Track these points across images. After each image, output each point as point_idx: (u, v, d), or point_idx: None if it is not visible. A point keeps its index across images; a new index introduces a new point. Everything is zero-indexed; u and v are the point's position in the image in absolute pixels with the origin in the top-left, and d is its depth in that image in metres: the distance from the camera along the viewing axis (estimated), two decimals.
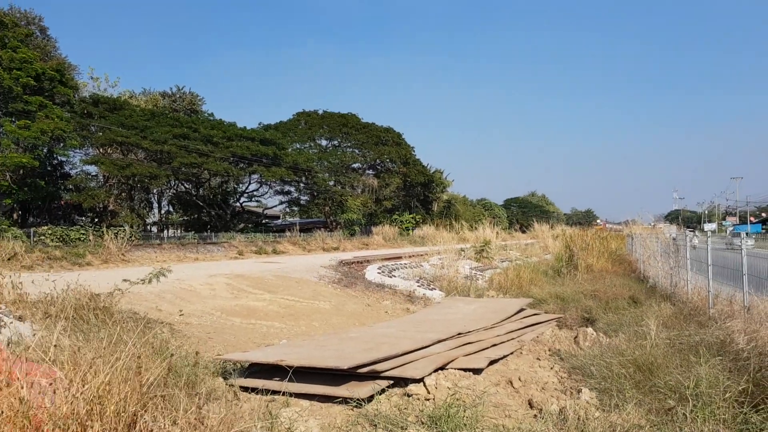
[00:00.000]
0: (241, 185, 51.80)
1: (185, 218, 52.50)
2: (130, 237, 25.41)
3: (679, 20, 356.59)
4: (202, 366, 8.11)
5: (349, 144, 59.05)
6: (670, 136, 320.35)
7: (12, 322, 7.91)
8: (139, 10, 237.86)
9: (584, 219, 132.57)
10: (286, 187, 53.44)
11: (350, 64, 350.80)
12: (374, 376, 7.78)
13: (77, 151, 40.32)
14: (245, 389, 7.98)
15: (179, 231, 52.31)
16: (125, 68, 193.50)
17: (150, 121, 42.40)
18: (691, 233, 15.86)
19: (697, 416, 6.11)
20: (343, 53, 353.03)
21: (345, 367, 7.43)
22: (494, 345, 9.80)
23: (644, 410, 6.71)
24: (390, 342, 9.18)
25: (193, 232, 41.02)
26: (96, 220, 40.34)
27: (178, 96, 54.97)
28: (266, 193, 53.26)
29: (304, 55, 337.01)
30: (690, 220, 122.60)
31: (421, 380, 7.73)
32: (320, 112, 59.50)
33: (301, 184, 52.13)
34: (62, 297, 8.83)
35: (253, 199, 54.91)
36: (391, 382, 7.78)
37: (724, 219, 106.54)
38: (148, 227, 48.67)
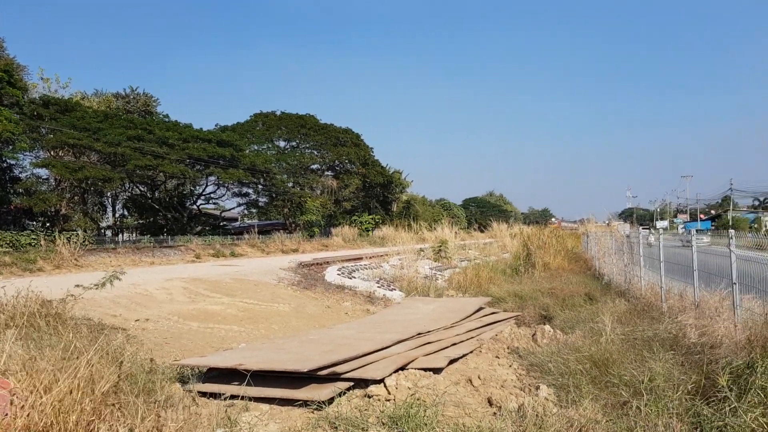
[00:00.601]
0: (197, 187, 51.13)
1: (140, 222, 51.59)
2: (84, 242, 24.82)
3: (629, 22, 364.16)
4: (159, 372, 7.98)
5: (307, 145, 58.80)
6: (622, 136, 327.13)
7: None
8: (88, 10, 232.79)
9: (541, 218, 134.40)
10: (244, 189, 52.97)
11: (304, 65, 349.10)
12: (335, 378, 7.75)
13: (27, 153, 39.32)
14: (203, 394, 7.88)
15: (134, 235, 51.36)
16: (76, 69, 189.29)
17: (103, 123, 41.57)
18: (647, 231, 16.18)
19: (651, 410, 6.24)
20: (298, 55, 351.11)
21: (305, 370, 7.39)
22: (454, 344, 9.86)
23: (600, 405, 6.83)
24: (349, 343, 9.17)
25: (149, 236, 40.35)
26: (47, 224, 39.31)
27: (131, 97, 53.99)
28: (224, 195, 52.76)
29: (258, 56, 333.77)
30: (643, 218, 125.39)
31: (381, 381, 7.73)
32: (278, 113, 59.13)
33: (260, 186, 51.71)
34: (12, 304, 8.58)
35: (210, 202, 54.28)
36: (352, 383, 7.76)
37: (675, 216, 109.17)
38: (102, 231, 47.65)
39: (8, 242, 28.48)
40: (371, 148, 62.34)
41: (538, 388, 7.59)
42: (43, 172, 41.48)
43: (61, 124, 38.62)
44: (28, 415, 5.39)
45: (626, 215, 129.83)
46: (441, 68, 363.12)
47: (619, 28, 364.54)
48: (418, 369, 8.37)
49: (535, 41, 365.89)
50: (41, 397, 5.75)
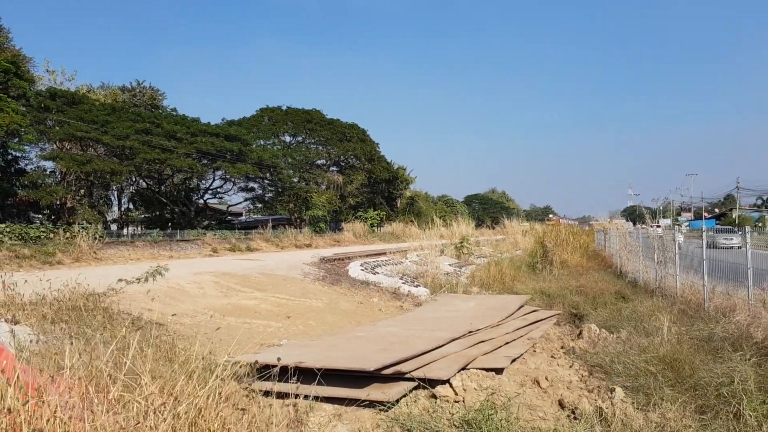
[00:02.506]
0: (204, 182, 50.73)
1: (147, 215, 51.19)
2: (102, 235, 24.45)
3: (638, 23, 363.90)
4: (213, 369, 7.67)
5: (313, 140, 58.38)
6: (624, 134, 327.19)
7: (8, 327, 7.34)
8: (93, 3, 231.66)
9: (543, 215, 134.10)
10: (251, 184, 52.59)
11: (309, 61, 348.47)
12: (398, 377, 7.44)
13: (33, 146, 38.87)
14: (262, 393, 7.57)
15: (139, 228, 50.97)
16: (80, 61, 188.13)
17: (111, 116, 41.10)
18: (676, 228, 15.91)
19: (750, 415, 5.94)
20: (303, 50, 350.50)
21: (371, 369, 7.08)
22: (507, 343, 9.56)
23: (684, 409, 6.54)
24: (402, 341, 8.86)
25: (158, 230, 39.94)
26: (53, 217, 38.91)
27: (138, 90, 53.49)
28: (230, 189, 52.31)
29: (263, 51, 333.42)
30: (645, 216, 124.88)
31: (447, 381, 7.42)
32: (284, 108, 58.64)
33: (266, 181, 51.31)
34: (59, 298, 8.26)
35: (217, 196, 53.88)
36: (416, 383, 7.46)
37: (678, 215, 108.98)
38: (108, 224, 47.26)
39: (17, 235, 28.10)
40: (377, 144, 62.03)
41: (612, 390, 7.28)
42: (48, 165, 41.09)
43: (68, 116, 38.15)
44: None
45: (629, 213, 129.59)
46: (443, 65, 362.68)
47: (624, 25, 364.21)
48: (480, 369, 8.06)
49: (537, 39, 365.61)
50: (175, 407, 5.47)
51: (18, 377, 4.30)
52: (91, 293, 8.80)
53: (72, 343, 7.03)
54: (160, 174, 45.57)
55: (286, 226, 47.45)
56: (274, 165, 48.51)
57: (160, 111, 50.55)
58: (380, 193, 64.62)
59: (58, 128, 37.73)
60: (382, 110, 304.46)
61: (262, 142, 54.73)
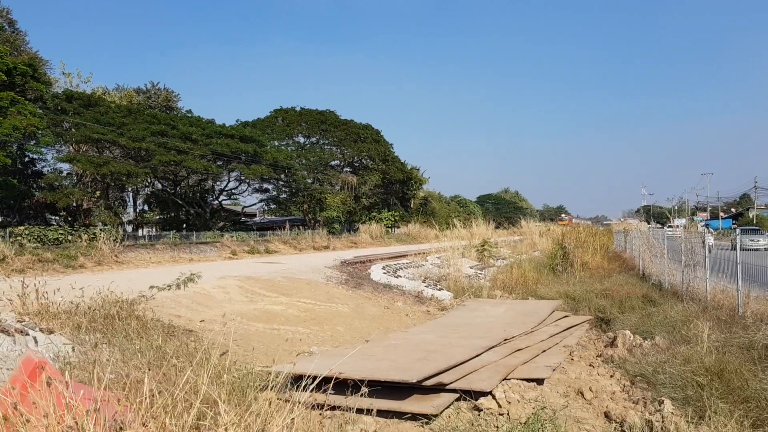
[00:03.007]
0: (219, 183, 50.76)
1: (161, 217, 51.27)
2: (123, 238, 24.42)
3: (652, 21, 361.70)
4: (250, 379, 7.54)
5: (327, 141, 58.31)
6: (638, 133, 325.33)
7: (43, 336, 7.23)
8: (107, 5, 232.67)
9: (556, 215, 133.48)
10: (265, 185, 52.56)
11: (321, 62, 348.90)
12: (439, 389, 7.28)
13: (49, 148, 39.01)
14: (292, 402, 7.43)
15: (154, 230, 51.03)
16: (95, 63, 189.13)
17: (127, 118, 41.21)
18: (703, 229, 15.59)
19: None
20: (315, 51, 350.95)
21: (414, 381, 6.93)
22: (543, 351, 9.37)
23: (741, 423, 6.33)
24: (439, 350, 8.70)
25: (174, 231, 39.97)
26: (69, 219, 39.03)
27: (152, 92, 53.68)
28: (245, 191, 52.31)
29: (277, 53, 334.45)
30: (660, 216, 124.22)
31: (489, 393, 7.25)
32: (298, 109, 58.64)
33: (281, 182, 51.27)
34: (92, 306, 8.15)
35: (231, 198, 53.90)
36: (457, 395, 7.29)
37: (694, 214, 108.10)
38: (124, 226, 47.36)
39: (36, 237, 28.17)
40: (391, 145, 61.87)
41: (661, 402, 7.07)
42: (64, 167, 41.25)
43: (84, 118, 38.29)
44: None
45: (644, 212, 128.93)
46: (455, 66, 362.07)
47: (638, 21, 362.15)
48: (521, 379, 7.89)
49: (554, 43, 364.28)
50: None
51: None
52: (124, 301, 8.69)
53: (109, 355, 6.91)
54: (176, 175, 45.64)
55: (300, 227, 47.38)
56: (288, 166, 48.46)
57: (175, 112, 50.67)
58: (394, 194, 64.45)
59: (74, 130, 37.89)
60: (394, 110, 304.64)
61: (276, 143, 54.73)
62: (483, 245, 26.75)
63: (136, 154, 40.79)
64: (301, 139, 58.51)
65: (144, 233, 46.73)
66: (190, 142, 42.24)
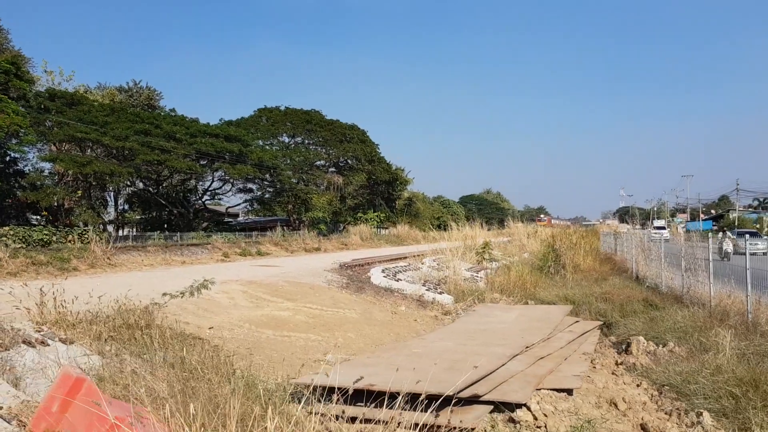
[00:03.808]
0: (202, 183, 50.15)
1: (143, 217, 50.55)
2: (115, 239, 23.95)
3: (627, 19, 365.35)
4: (274, 391, 7.32)
5: (312, 141, 57.89)
6: (617, 135, 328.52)
7: (63, 347, 6.95)
8: (88, 3, 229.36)
9: (537, 215, 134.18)
10: (249, 185, 52.04)
11: (306, 60, 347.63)
12: (473, 400, 7.11)
13: (31, 147, 38.24)
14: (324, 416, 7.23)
15: (135, 230, 50.28)
16: (76, 62, 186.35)
17: (110, 117, 40.54)
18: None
19: None
20: (301, 50, 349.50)
21: (452, 393, 6.74)
22: (565, 359, 9.25)
23: None
24: (463, 359, 8.54)
25: (158, 232, 39.35)
26: (51, 218, 38.30)
27: (135, 91, 52.93)
28: (229, 191, 51.73)
29: (260, 52, 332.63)
30: (633, 217, 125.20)
31: (524, 405, 7.09)
32: (282, 108, 58.14)
33: (265, 182, 50.80)
34: (112, 315, 7.87)
35: (215, 198, 53.31)
36: (491, 407, 7.14)
37: (673, 216, 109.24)
38: (105, 226, 46.61)
39: (20, 238, 27.55)
40: (377, 145, 61.61)
41: (699, 414, 6.96)
42: (46, 166, 40.51)
43: (67, 117, 37.60)
44: None
45: (622, 214, 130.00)
46: (437, 66, 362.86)
47: (615, 24, 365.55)
48: (551, 389, 7.76)
49: (530, 40, 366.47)
50: None
51: None
52: (143, 309, 8.42)
53: (136, 367, 6.66)
54: (158, 175, 45.02)
55: (285, 228, 46.94)
56: (274, 166, 48.03)
57: (158, 111, 50.00)
58: (380, 195, 64.24)
59: (57, 129, 37.18)
60: (376, 110, 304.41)
61: (260, 143, 54.21)
62: (483, 248, 26.70)
63: (119, 153, 40.18)
64: (286, 139, 58.04)
65: (125, 233, 46.02)
66: (174, 141, 41.68)
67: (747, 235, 15.18)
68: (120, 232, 46.46)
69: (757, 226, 73.41)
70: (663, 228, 57.85)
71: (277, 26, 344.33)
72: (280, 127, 56.83)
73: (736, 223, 71.98)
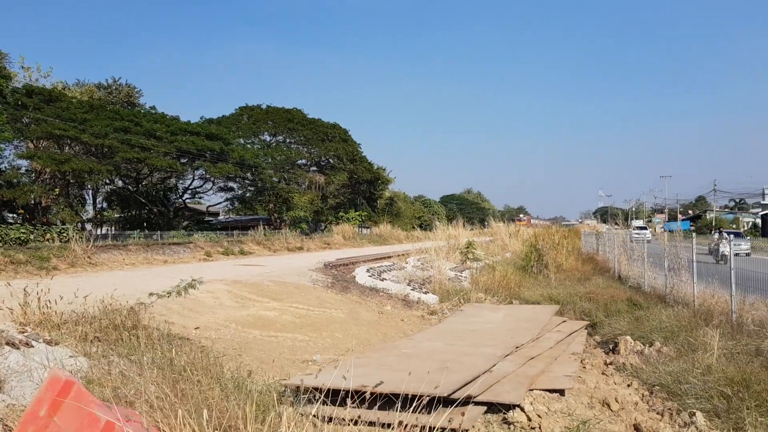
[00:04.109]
0: (183, 181, 49.69)
1: (122, 215, 49.97)
2: (96, 238, 23.58)
3: (606, 20, 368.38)
4: (265, 393, 7.21)
5: (294, 140, 57.62)
6: (597, 135, 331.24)
7: (48, 348, 6.78)
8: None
9: (516, 215, 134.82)
10: (230, 184, 51.69)
11: (287, 59, 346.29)
12: (465, 401, 7.05)
13: (8, 144, 37.60)
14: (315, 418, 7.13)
15: (114, 228, 49.68)
16: (54, 58, 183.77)
17: (89, 114, 40.00)
18: (717, 235, 15.43)
19: None
20: (281, 49, 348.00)
21: (445, 394, 6.68)
22: (555, 359, 9.23)
23: None
24: (454, 359, 8.48)
25: (138, 231, 38.89)
26: (27, 216, 37.70)
27: (114, 88, 52.34)
28: (209, 189, 51.32)
29: (241, 50, 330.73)
30: (614, 217, 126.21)
31: (518, 405, 7.05)
32: (264, 106, 57.82)
33: (247, 181, 50.47)
34: (98, 316, 7.69)
35: (195, 196, 52.85)
36: (484, 408, 7.08)
37: (651, 216, 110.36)
38: (84, 224, 45.99)
39: None
40: (359, 144, 61.52)
41: (692, 414, 6.97)
42: (22, 163, 39.87)
43: (45, 114, 37.02)
44: None
45: (602, 213, 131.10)
46: (417, 66, 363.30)
47: (595, 26, 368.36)
48: (543, 390, 7.73)
49: (510, 40, 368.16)
50: None
51: None
52: (130, 309, 8.26)
53: (123, 369, 6.50)
54: (138, 173, 44.54)
55: (266, 227, 46.61)
56: (255, 165, 47.74)
57: (138, 109, 49.47)
58: (361, 194, 64.11)
59: (35, 126, 36.59)
60: (357, 108, 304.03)
61: (242, 141, 53.87)
62: (468, 247, 26.69)
63: (99, 150, 39.67)
64: (268, 138, 57.71)
65: (104, 232, 45.45)
66: (155, 139, 41.27)
67: (731, 236, 15.31)
68: (99, 231, 45.87)
69: (734, 226, 74.49)
70: (644, 228, 58.02)
71: (257, 24, 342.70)
72: (261, 125, 56.51)
73: (713, 224, 72.96)
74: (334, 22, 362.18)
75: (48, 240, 26.70)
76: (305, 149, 57.64)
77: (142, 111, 47.33)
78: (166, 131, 42.26)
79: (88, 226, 47.12)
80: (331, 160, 59.14)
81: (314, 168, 59.83)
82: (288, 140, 57.81)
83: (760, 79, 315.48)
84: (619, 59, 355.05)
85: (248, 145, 53.82)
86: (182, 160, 44.04)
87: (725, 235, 23.62)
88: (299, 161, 57.93)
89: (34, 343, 6.87)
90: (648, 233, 42.20)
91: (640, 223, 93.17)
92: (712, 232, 44.42)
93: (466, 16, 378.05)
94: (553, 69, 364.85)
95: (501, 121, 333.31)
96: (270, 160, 52.70)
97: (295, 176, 55.08)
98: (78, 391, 4.92)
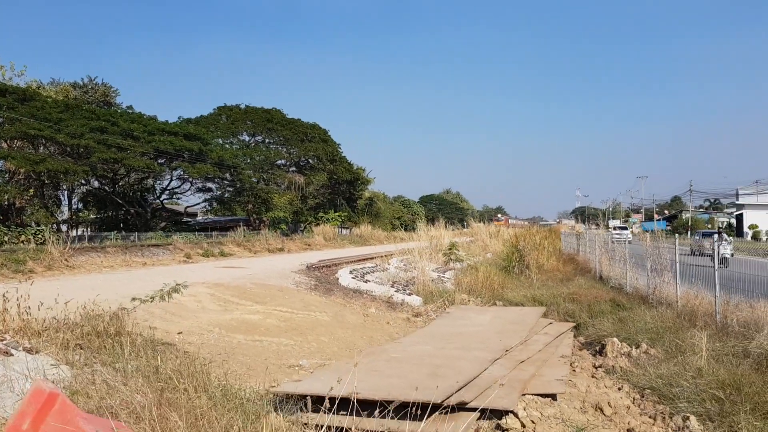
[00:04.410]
0: (160, 182, 49.07)
1: (98, 216, 49.24)
2: (74, 240, 23.14)
3: (584, 21, 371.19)
4: (253, 401, 7.03)
5: (273, 140, 57.19)
6: (574, 136, 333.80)
7: (28, 357, 6.55)
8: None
9: (494, 215, 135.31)
10: (208, 184, 51.14)
11: (265, 59, 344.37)
12: (459, 408, 6.94)
13: None
14: (306, 426, 6.99)
15: (89, 230, 48.96)
16: (27, 57, 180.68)
17: (64, 114, 39.31)
18: (717, 237, 15.30)
19: None
20: (259, 49, 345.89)
21: (440, 401, 6.56)
22: (544, 362, 9.16)
23: None
24: (445, 364, 8.38)
25: (115, 232, 38.30)
26: (1, 218, 36.98)
27: (90, 87, 51.57)
28: (188, 190, 50.72)
29: (218, 49, 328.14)
30: (595, 217, 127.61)
31: (511, 411, 6.95)
32: (242, 106, 57.34)
33: (225, 182, 49.99)
34: (80, 322, 7.46)
35: (173, 197, 52.22)
36: (478, 414, 6.97)
37: (628, 216, 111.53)
38: (59, 225, 45.23)
39: None
40: (339, 144, 61.23)
41: (686, 418, 6.92)
42: None
43: (19, 113, 36.31)
44: None
45: (578, 214, 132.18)
46: (395, 66, 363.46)
47: (572, 25, 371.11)
48: (535, 394, 7.65)
49: (491, 41, 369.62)
50: None
51: None
52: (113, 315, 8.03)
53: (107, 377, 6.30)
54: (115, 173, 43.90)
55: (245, 228, 46.20)
56: (234, 165, 47.31)
57: (115, 108, 48.80)
58: (341, 194, 63.82)
59: (8, 126, 35.90)
60: (336, 108, 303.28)
61: (220, 141, 53.35)
62: (450, 249, 26.65)
63: (74, 151, 39.04)
64: (246, 138, 57.22)
65: (80, 233, 44.76)
66: (132, 139, 40.68)
67: (715, 236, 15.40)
68: (74, 232, 45.14)
69: (709, 226, 75.42)
70: (624, 229, 57.47)
71: (235, 23, 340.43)
72: (240, 125, 56.03)
73: (689, 224, 73.85)
74: (313, 22, 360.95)
75: (23, 242, 26.19)
76: (284, 149, 57.24)
77: (119, 111, 46.69)
78: (143, 131, 41.68)
79: (64, 228, 46.38)
80: (310, 161, 58.78)
81: (293, 168, 59.42)
82: (267, 140, 57.39)
83: (735, 81, 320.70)
84: (596, 60, 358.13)
85: (227, 146, 53.33)
86: (160, 161, 43.49)
87: (725, 237, 23.50)
88: (278, 161, 57.50)
89: (13, 351, 6.63)
90: (629, 233, 42.32)
91: (618, 222, 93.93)
92: (717, 233, 42.35)
93: (440, 15, 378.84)
94: (531, 70, 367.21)
95: (479, 121, 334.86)
96: (249, 160, 52.25)
97: (275, 177, 54.66)
98: (63, 404, 4.73)
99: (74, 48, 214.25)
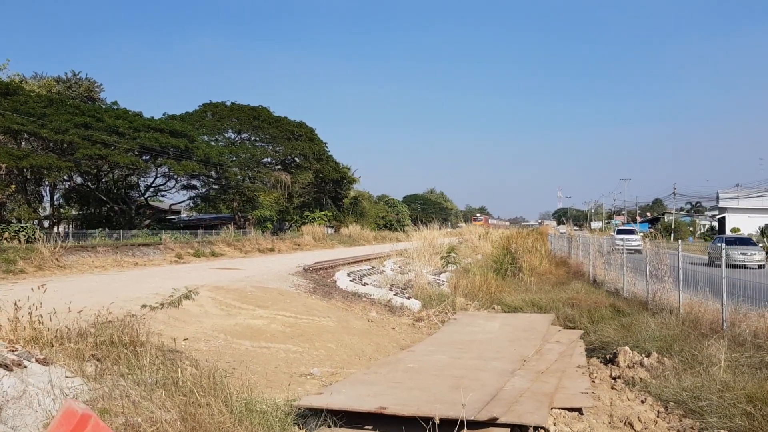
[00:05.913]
0: (145, 179, 48.40)
1: (81, 213, 48.48)
2: (64, 238, 22.62)
3: (568, 22, 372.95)
4: (275, 414, 6.79)
5: (259, 138, 56.70)
6: (557, 137, 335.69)
7: (41, 368, 6.25)
8: None
9: (473, 215, 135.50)
10: (194, 182, 50.56)
11: (252, 56, 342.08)
12: (488, 423, 6.74)
13: None
14: None
15: (72, 226, 48.17)
16: (9, 50, 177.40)
17: (48, 109, 38.63)
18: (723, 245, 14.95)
19: None
20: (245, 46, 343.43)
21: (472, 417, 6.36)
22: (563, 372, 8.99)
23: None
24: (466, 375, 8.20)
25: (100, 229, 37.63)
26: None
27: (73, 82, 50.75)
28: (173, 187, 50.09)
29: (204, 45, 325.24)
30: (577, 219, 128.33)
31: (542, 427, 6.77)
32: (228, 104, 56.77)
33: (211, 179, 49.46)
34: (95, 332, 7.15)
35: (158, 194, 51.54)
36: (508, 430, 6.78)
37: (611, 218, 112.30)
38: (42, 222, 44.43)
39: None
40: (325, 143, 60.90)
41: None
42: None
43: (2, 108, 35.63)
44: None
45: (560, 215, 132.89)
46: (380, 65, 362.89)
47: (556, 26, 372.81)
48: (562, 408, 7.48)
49: (477, 40, 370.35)
50: None
51: None
52: (126, 323, 7.73)
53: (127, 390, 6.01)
54: (99, 170, 43.22)
55: (229, 226, 45.74)
56: (220, 163, 46.83)
57: (99, 104, 48.05)
58: (327, 194, 63.45)
59: None
60: (321, 107, 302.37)
61: (206, 138, 52.75)
62: (449, 252, 26.54)
63: (58, 146, 38.38)
64: (232, 135, 56.68)
65: (61, 230, 44.00)
66: (117, 135, 40.06)
67: (722, 242, 15.33)
68: (56, 229, 44.38)
69: (691, 228, 76.16)
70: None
71: (221, 20, 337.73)
72: (225, 122, 55.48)
73: (672, 226, 74.46)
74: (300, 20, 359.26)
75: (6, 239, 25.62)
76: (271, 147, 56.79)
77: (104, 107, 45.92)
78: (128, 127, 41.05)
79: (46, 224, 45.58)
80: (297, 159, 58.36)
81: (280, 167, 58.92)
82: (253, 138, 56.90)
83: (717, 85, 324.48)
84: (581, 62, 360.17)
85: (212, 143, 52.75)
86: (145, 157, 42.92)
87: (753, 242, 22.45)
88: (265, 160, 57.05)
89: (26, 363, 6.32)
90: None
91: (599, 225, 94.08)
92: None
93: (427, 14, 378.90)
94: (514, 71, 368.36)
95: (464, 121, 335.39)
96: (235, 158, 51.73)
97: (261, 175, 54.17)
98: (95, 426, 4.46)
99: (58, 42, 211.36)
